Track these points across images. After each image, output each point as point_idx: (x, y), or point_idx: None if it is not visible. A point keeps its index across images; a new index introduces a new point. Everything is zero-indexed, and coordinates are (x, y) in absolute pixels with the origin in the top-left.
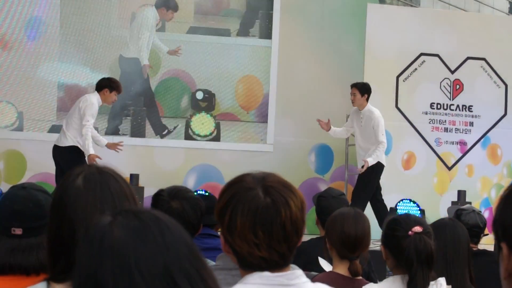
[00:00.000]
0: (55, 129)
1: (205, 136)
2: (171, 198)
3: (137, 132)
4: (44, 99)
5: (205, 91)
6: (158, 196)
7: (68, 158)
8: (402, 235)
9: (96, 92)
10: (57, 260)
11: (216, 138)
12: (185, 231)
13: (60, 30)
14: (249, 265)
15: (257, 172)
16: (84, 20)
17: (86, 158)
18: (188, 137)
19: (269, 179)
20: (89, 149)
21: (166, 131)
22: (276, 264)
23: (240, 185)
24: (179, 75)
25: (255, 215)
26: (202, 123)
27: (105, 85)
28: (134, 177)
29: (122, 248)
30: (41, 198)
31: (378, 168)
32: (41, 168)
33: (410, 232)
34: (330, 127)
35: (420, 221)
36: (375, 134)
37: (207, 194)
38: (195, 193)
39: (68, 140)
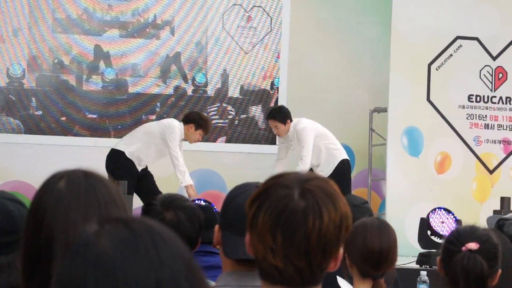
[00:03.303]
0: None
1: None
2: (165, 208)
3: (123, 132)
4: None
5: None
6: (150, 206)
7: (109, 162)
8: (455, 249)
9: (181, 122)
10: (32, 276)
11: None
12: (183, 244)
13: None
14: (265, 275)
15: (303, 172)
16: None
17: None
18: None
19: (312, 182)
20: (185, 179)
21: None
22: (291, 280)
23: (277, 181)
24: None
25: (279, 216)
26: None
27: (192, 120)
28: (121, 185)
29: (109, 261)
30: (13, 209)
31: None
32: (13, 175)
33: (463, 248)
34: None
35: (482, 237)
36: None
37: (205, 204)
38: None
39: (120, 144)
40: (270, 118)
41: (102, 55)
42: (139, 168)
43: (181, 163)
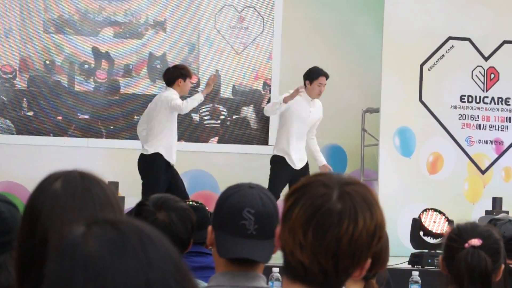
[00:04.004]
0: None
1: None
2: (157, 209)
3: (115, 133)
4: None
5: None
6: (142, 207)
7: (143, 167)
8: (457, 247)
9: (168, 87)
10: (26, 276)
11: None
12: (171, 245)
13: None
14: (289, 270)
15: (345, 175)
16: None
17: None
18: None
19: (352, 186)
20: (194, 99)
21: None
22: (315, 279)
23: (318, 178)
24: None
25: (314, 213)
26: None
27: (177, 76)
28: (113, 186)
29: (97, 263)
30: (4, 210)
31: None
32: (4, 176)
33: (466, 245)
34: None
35: (484, 233)
36: (315, 127)
37: (197, 205)
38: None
39: (150, 148)
40: (326, 75)
41: (102, 56)
42: (172, 158)
43: (184, 102)
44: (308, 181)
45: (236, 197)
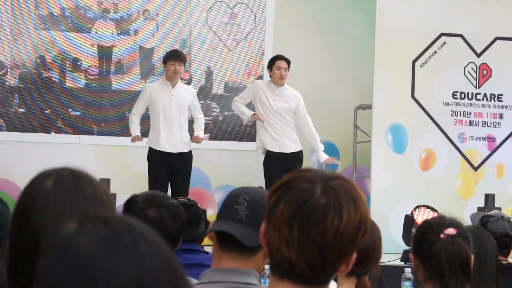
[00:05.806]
0: None
1: None
2: (147, 205)
3: (106, 129)
4: None
5: None
6: (132, 203)
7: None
8: (433, 239)
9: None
10: (18, 275)
11: None
12: (163, 242)
13: None
14: (276, 267)
15: (328, 170)
16: None
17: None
18: None
19: (335, 181)
20: (133, 129)
21: None
22: (302, 275)
23: (301, 174)
24: None
25: (298, 209)
26: None
27: (162, 61)
28: (105, 183)
29: (89, 260)
30: None
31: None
32: None
33: (441, 235)
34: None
35: (455, 223)
36: (305, 117)
37: (189, 202)
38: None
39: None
40: (283, 59)
41: (92, 52)
42: (165, 147)
43: (132, 120)
44: (291, 177)
45: (239, 189)
